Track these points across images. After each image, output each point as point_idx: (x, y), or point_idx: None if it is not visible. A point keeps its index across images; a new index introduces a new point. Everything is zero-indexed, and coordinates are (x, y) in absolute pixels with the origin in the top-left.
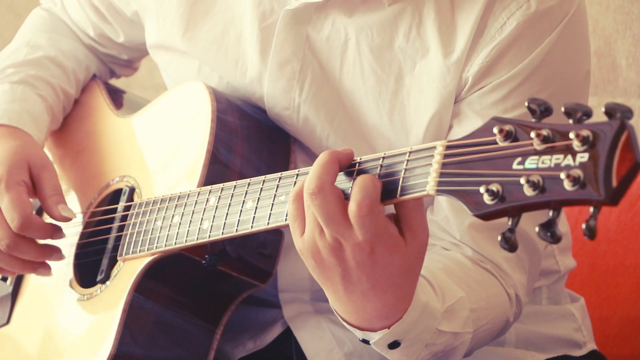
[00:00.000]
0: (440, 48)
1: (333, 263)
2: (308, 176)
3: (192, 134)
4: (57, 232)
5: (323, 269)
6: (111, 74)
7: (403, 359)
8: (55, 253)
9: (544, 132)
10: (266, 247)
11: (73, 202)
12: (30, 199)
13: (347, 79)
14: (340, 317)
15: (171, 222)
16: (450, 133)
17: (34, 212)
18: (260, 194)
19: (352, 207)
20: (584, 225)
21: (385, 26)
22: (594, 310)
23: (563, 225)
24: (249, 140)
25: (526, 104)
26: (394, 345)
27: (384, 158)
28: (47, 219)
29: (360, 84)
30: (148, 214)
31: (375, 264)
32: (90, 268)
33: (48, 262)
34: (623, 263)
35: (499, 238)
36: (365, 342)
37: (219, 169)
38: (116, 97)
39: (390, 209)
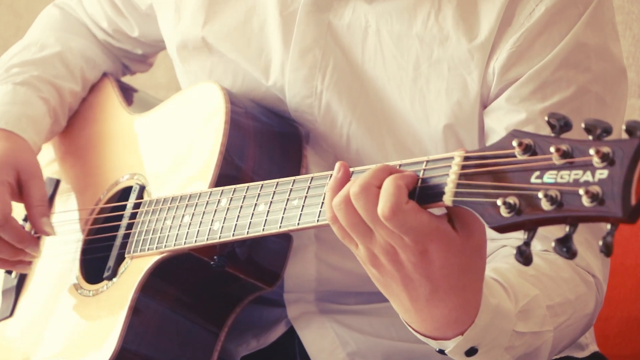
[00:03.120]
0: (462, 35)
1: (391, 269)
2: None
3: (205, 135)
4: (32, 243)
5: (385, 277)
6: (124, 70)
7: None
8: (28, 254)
9: (564, 147)
10: (275, 250)
11: (81, 199)
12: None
13: (369, 65)
14: (412, 329)
15: (181, 221)
16: (490, 137)
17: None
18: (273, 198)
19: (378, 211)
20: (600, 242)
21: (404, 13)
22: None
23: None
24: (262, 142)
25: (546, 118)
26: (471, 352)
27: (400, 166)
28: None
29: (382, 70)
30: (158, 212)
31: (431, 263)
32: (97, 264)
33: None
34: (623, 263)
35: (514, 252)
36: (442, 352)
37: (231, 170)
38: (128, 95)
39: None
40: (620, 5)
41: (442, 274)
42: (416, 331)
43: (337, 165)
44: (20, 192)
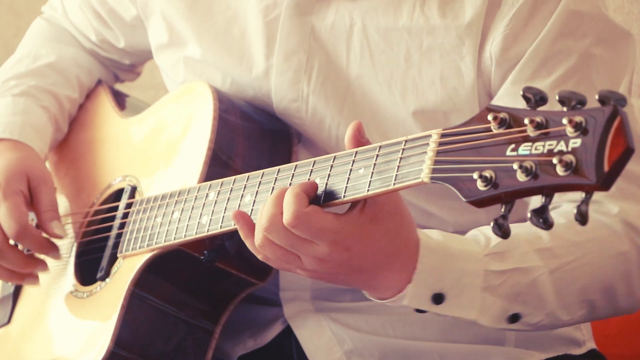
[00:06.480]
0: (450, 23)
1: (330, 271)
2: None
3: (194, 133)
4: (52, 249)
5: (332, 278)
6: (115, 78)
7: (468, 313)
8: (41, 265)
9: (538, 119)
10: None
11: (76, 203)
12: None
13: (355, 64)
14: (376, 299)
15: (171, 217)
16: None
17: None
18: (258, 188)
19: (284, 221)
20: (575, 211)
21: (389, 7)
22: None
23: None
24: (251, 140)
25: (521, 92)
26: (438, 299)
27: (380, 147)
28: None
29: (369, 67)
30: (148, 210)
31: (355, 253)
32: (91, 266)
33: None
34: None
35: (492, 224)
36: (420, 311)
37: (220, 167)
38: (121, 100)
39: None
40: (620, 5)
41: (372, 252)
42: (380, 298)
43: (235, 216)
44: (30, 199)
